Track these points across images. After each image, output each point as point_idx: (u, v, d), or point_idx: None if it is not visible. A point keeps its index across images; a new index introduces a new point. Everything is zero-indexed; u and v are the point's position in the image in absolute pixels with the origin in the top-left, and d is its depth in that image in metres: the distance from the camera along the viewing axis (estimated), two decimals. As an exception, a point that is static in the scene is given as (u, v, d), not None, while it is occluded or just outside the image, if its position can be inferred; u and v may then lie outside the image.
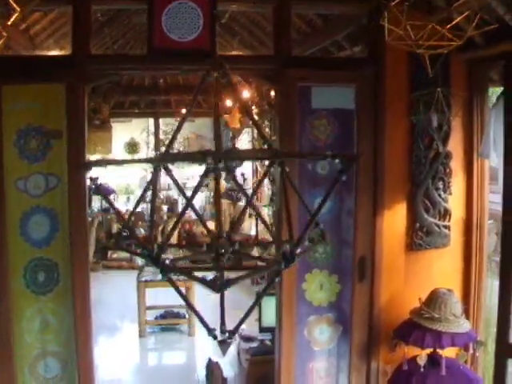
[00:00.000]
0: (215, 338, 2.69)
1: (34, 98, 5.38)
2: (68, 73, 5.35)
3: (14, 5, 3.03)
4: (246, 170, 13.99)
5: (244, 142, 14.48)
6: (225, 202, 12.64)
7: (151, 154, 15.10)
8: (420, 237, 5.83)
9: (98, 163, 2.99)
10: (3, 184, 5.34)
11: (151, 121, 15.19)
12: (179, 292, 3.02)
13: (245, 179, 13.74)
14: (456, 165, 5.86)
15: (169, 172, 2.73)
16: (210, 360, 7.02)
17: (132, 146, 16.26)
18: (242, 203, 12.77)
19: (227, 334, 2.61)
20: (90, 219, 9.55)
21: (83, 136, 5.48)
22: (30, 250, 5.46)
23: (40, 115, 5.40)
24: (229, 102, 12.17)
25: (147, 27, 5.57)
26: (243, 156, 3.09)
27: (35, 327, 5.52)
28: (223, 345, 2.69)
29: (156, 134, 14.72)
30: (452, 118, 5.63)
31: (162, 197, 13.68)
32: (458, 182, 5.87)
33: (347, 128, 5.87)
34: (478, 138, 5.78)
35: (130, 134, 15.91)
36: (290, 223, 3.07)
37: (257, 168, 13.83)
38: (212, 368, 6.78)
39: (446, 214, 5.86)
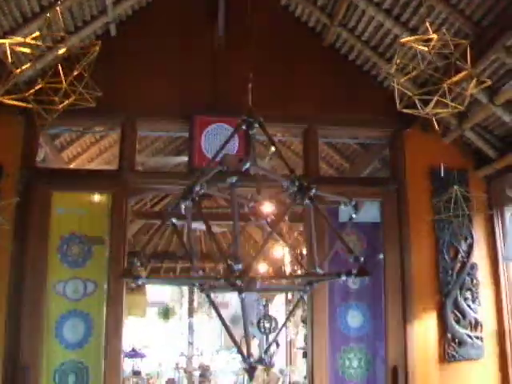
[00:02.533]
0: (247, 363, 2.86)
1: (80, 206, 5.84)
2: (114, 185, 5.84)
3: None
4: (279, 338, 13.83)
5: (277, 307, 14.49)
6: (258, 369, 12.39)
7: (184, 317, 15.31)
8: (453, 348, 5.80)
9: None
10: (44, 286, 5.59)
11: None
12: (218, 313, 3.22)
13: (278, 345, 13.56)
14: (483, 275, 6.00)
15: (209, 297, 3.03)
16: None
17: (165, 313, 16.40)
18: (275, 369, 12.56)
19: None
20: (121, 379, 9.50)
21: (125, 244, 5.82)
22: (62, 353, 5.57)
23: (84, 222, 5.81)
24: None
25: (188, 148, 6.17)
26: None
27: (64, 433, 5.44)
28: (251, 370, 2.87)
29: (190, 301, 14.93)
30: (472, 217, 5.90)
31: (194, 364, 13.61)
32: (486, 292, 5.97)
33: (375, 241, 6.13)
34: (502, 248, 5.97)
35: (165, 294, 16.14)
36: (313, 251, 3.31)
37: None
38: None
39: (477, 324, 5.88)
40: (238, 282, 2.65)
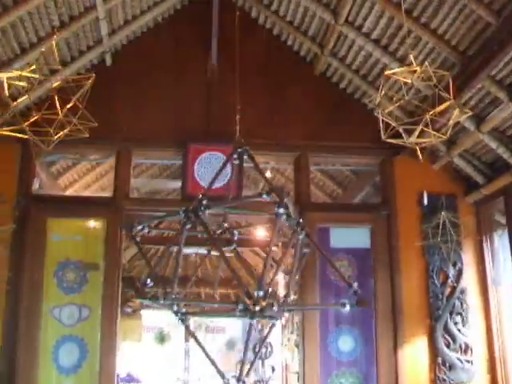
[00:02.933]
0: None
1: (75, 232, 5.94)
2: (109, 211, 5.95)
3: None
4: (275, 363, 13.86)
5: (273, 332, 14.44)
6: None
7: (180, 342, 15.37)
8: (443, 372, 5.87)
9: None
10: (40, 311, 5.67)
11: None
12: (198, 342, 3.33)
13: (274, 370, 13.55)
14: (473, 299, 6.08)
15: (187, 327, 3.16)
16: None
17: (161, 338, 16.41)
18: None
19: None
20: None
21: (119, 269, 5.91)
22: (58, 378, 5.62)
23: (79, 249, 5.90)
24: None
25: (181, 175, 6.28)
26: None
27: None
28: None
29: (186, 326, 14.88)
30: (461, 242, 6.01)
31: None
32: (476, 316, 6.05)
33: (366, 266, 6.21)
34: (491, 272, 6.07)
35: (161, 319, 16.12)
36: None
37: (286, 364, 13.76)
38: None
39: (467, 348, 5.95)
40: (257, 308, 2.73)
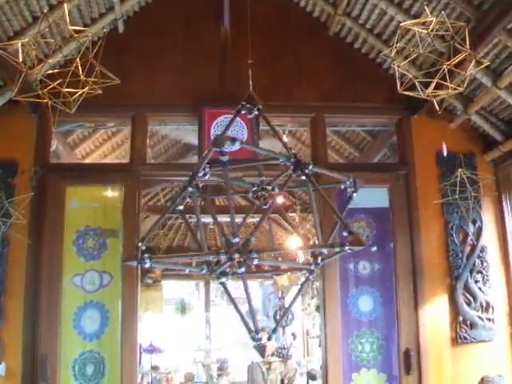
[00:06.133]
0: (254, 339, 2.92)
1: (93, 199, 5.98)
2: (126, 177, 5.96)
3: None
4: (296, 329, 13.99)
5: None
6: (275, 361, 12.60)
7: (202, 312, 15.59)
8: (464, 330, 5.86)
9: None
10: (61, 279, 5.73)
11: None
12: (229, 295, 3.30)
13: (295, 337, 13.68)
14: (493, 257, 6.06)
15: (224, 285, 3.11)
16: (252, 362, 6.72)
17: (182, 308, 16.63)
18: (293, 360, 12.64)
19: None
20: (139, 376, 9.62)
21: (138, 236, 5.93)
22: (81, 343, 5.70)
23: (98, 216, 5.94)
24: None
25: (198, 139, 6.27)
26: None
27: (82, 420, 5.59)
28: (260, 348, 2.92)
29: (207, 295, 15.16)
30: (481, 200, 5.98)
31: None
32: (496, 274, 6.03)
33: (385, 226, 6.20)
34: (511, 231, 6.03)
35: (182, 289, 16.37)
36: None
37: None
38: (253, 369, 6.59)
39: (488, 306, 5.94)
40: (237, 256, 2.66)
